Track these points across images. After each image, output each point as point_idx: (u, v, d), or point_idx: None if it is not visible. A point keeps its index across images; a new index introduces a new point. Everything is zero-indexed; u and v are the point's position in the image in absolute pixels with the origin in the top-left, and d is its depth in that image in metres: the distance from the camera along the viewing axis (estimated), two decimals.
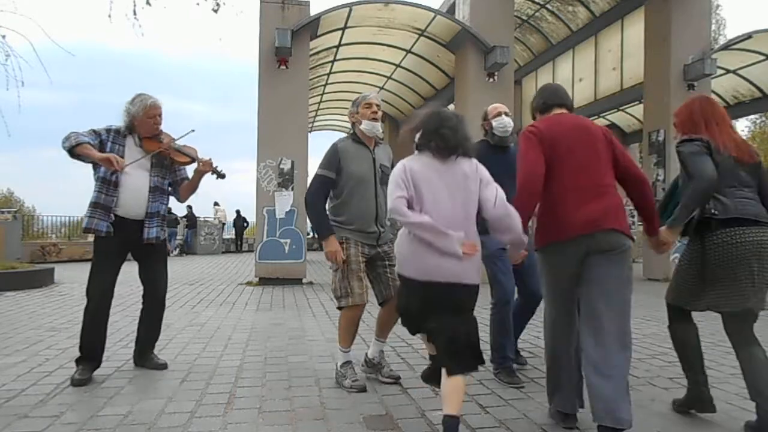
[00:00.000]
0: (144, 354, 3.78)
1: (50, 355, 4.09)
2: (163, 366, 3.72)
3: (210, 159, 3.76)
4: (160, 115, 3.64)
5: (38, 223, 19.00)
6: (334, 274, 3.39)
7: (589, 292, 2.54)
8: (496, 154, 3.62)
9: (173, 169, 3.80)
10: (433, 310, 2.42)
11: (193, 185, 3.87)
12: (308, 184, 3.69)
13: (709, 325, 5.65)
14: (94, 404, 2.98)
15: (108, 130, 3.59)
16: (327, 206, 3.48)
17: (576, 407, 2.72)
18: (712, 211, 2.67)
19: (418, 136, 2.56)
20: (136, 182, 3.56)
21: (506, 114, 3.71)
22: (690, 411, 2.91)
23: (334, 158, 3.41)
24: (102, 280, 3.52)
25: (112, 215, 3.49)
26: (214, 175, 3.80)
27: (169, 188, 3.81)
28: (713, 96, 12.85)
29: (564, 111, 2.82)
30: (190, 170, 3.89)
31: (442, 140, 2.47)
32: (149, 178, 3.62)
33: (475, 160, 2.57)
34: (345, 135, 3.65)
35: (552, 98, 2.85)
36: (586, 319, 2.55)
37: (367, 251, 3.40)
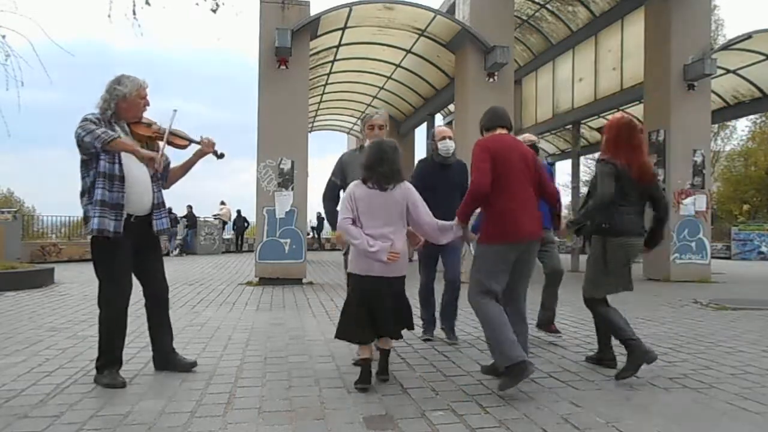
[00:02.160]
0: (169, 357, 3.59)
1: (50, 355, 4.09)
2: (193, 364, 3.58)
3: (211, 138, 3.59)
4: (148, 96, 3.45)
5: (38, 223, 18.96)
6: (344, 258, 4.18)
7: (519, 278, 3.44)
8: (438, 170, 4.60)
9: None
10: (373, 295, 3.28)
11: (188, 168, 3.68)
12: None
13: (708, 325, 5.66)
14: (94, 404, 2.97)
15: (99, 120, 3.29)
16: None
17: (524, 354, 3.16)
18: (603, 224, 3.58)
19: (364, 170, 3.33)
20: (139, 175, 3.33)
21: (450, 138, 4.61)
22: (600, 364, 3.82)
23: (339, 167, 4.26)
24: (120, 285, 3.33)
25: (124, 213, 3.26)
26: (215, 156, 3.62)
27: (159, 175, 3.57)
28: (713, 96, 12.88)
29: (505, 131, 3.53)
30: (185, 154, 3.68)
31: (382, 176, 3.25)
32: (147, 168, 3.38)
33: (406, 184, 3.36)
34: (353, 149, 4.41)
35: (497, 120, 3.57)
36: (511, 296, 3.44)
37: None
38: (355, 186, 3.36)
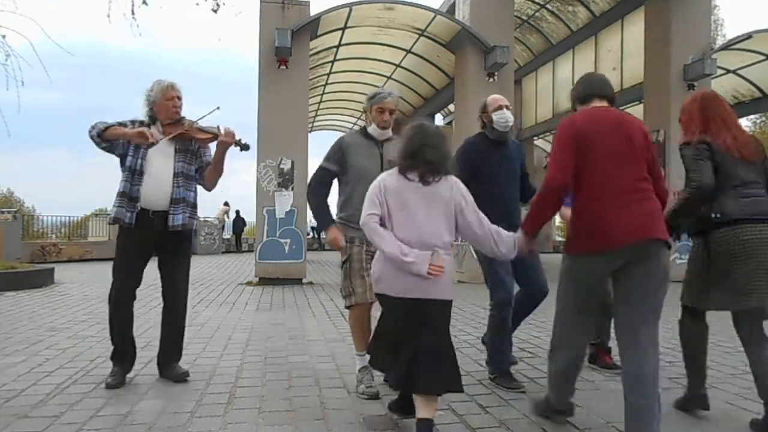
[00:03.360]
0: (167, 364, 3.52)
1: (50, 355, 4.09)
2: (185, 374, 3.46)
3: (232, 130, 3.52)
4: (179, 98, 3.51)
5: (38, 223, 18.98)
6: (341, 271, 3.31)
7: (628, 303, 2.43)
8: (494, 149, 3.58)
9: (199, 155, 3.61)
10: (407, 326, 2.44)
11: (217, 163, 3.59)
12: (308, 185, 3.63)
13: (709, 324, 5.64)
14: (94, 404, 2.97)
15: (133, 122, 3.48)
16: (336, 202, 3.48)
17: (570, 401, 2.77)
18: (714, 215, 2.70)
19: (402, 158, 2.56)
20: (160, 169, 3.42)
21: (507, 107, 3.59)
22: (689, 409, 2.96)
23: (336, 152, 3.36)
24: (124, 276, 3.39)
25: (138, 205, 3.36)
26: (238, 147, 3.56)
27: (197, 175, 3.63)
28: None
29: (605, 104, 2.64)
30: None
31: (428, 166, 2.49)
32: (173, 164, 3.47)
33: (453, 179, 2.58)
34: (355, 129, 3.57)
35: (593, 89, 2.69)
36: (625, 332, 2.44)
37: (373, 248, 2.94)
38: (387, 175, 2.59)
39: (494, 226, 2.61)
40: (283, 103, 9.68)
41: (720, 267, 2.72)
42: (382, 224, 2.50)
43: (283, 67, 9.68)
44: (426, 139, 2.53)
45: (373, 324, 2.81)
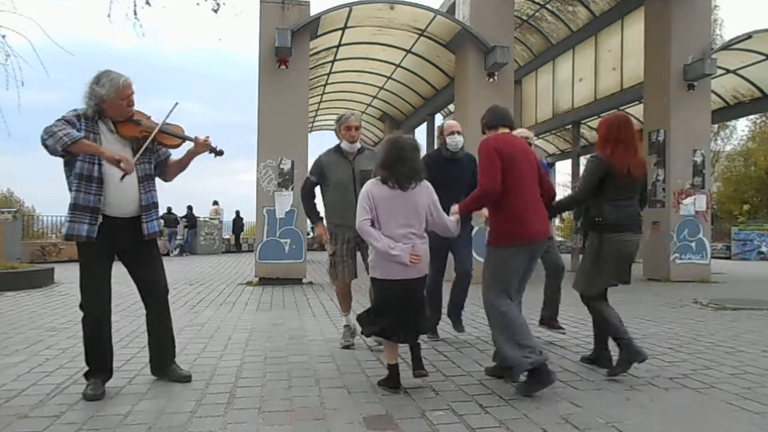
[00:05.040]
0: (164, 367, 3.42)
1: (50, 355, 4.09)
2: (187, 378, 3.37)
3: (207, 137, 3.32)
4: (133, 95, 3.16)
5: (38, 223, 18.99)
6: (328, 259, 4.47)
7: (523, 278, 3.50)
8: (447, 164, 4.55)
9: (155, 149, 3.33)
10: (396, 298, 3.23)
11: (183, 165, 3.44)
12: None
13: (708, 325, 5.66)
14: (94, 404, 2.97)
15: (78, 117, 3.06)
16: (323, 207, 4.52)
17: (547, 356, 3.28)
18: (596, 218, 3.58)
19: (381, 169, 3.22)
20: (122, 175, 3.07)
21: (458, 133, 4.56)
22: (594, 364, 3.80)
23: (317, 167, 4.45)
24: (96, 290, 3.13)
25: (99, 216, 3.05)
26: (212, 154, 3.37)
27: (156, 171, 3.38)
28: (713, 96, 12.87)
29: (507, 130, 3.52)
30: (179, 150, 3.44)
31: (402, 176, 3.15)
32: (136, 167, 3.14)
33: (426, 184, 3.29)
34: (330, 148, 4.50)
35: (501, 119, 3.55)
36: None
37: (352, 238, 4.24)
38: (372, 185, 3.23)
39: (450, 218, 3.42)
40: (283, 103, 9.68)
41: (608, 262, 3.58)
42: (373, 225, 3.17)
43: (283, 67, 9.68)
44: (400, 153, 3.17)
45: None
